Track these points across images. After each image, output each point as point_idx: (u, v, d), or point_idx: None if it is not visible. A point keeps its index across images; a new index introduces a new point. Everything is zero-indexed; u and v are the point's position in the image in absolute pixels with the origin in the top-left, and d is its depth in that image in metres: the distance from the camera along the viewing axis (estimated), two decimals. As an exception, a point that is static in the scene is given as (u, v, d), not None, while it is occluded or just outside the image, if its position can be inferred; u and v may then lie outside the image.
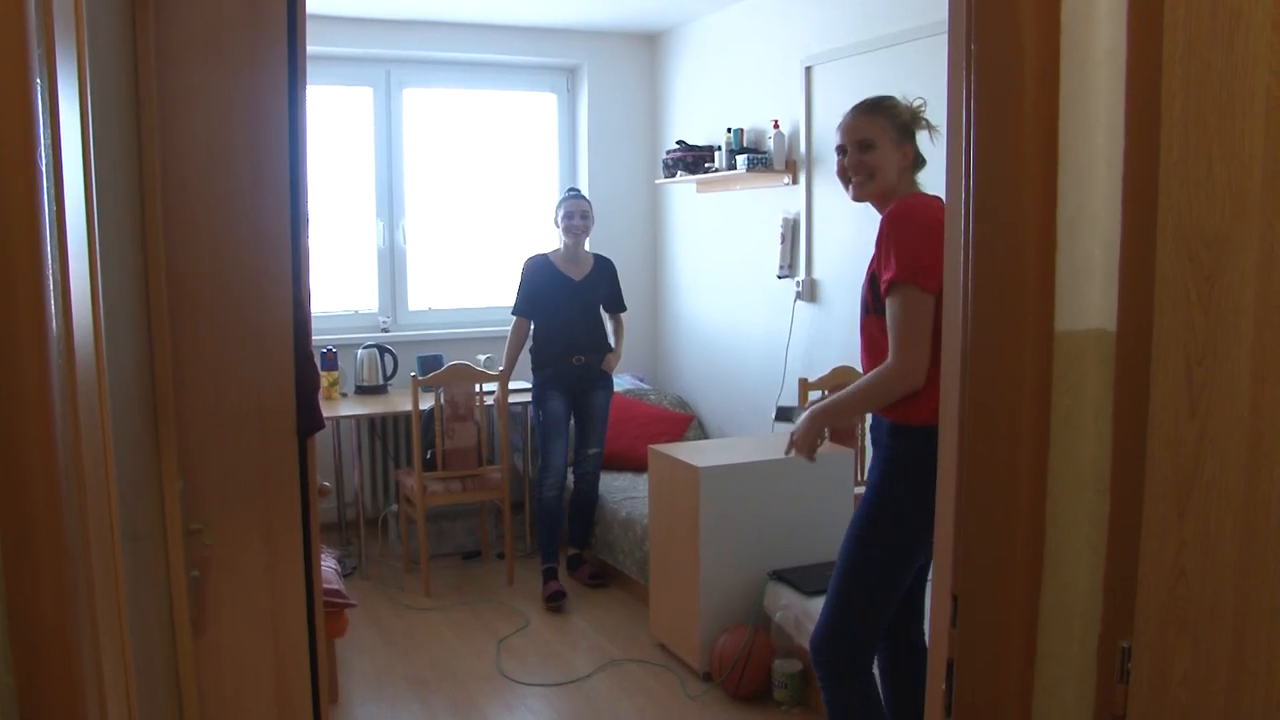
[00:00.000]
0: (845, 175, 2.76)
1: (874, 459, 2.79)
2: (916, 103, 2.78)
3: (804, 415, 2.83)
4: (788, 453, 2.87)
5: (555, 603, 4.87)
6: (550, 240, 6.44)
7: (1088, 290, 1.32)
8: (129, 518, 1.47)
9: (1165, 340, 1.19)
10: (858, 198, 2.77)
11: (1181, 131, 1.17)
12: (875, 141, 2.70)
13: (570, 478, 5.27)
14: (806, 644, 3.72)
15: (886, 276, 2.55)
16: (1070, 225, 1.33)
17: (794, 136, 5.23)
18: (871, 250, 2.72)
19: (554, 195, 6.60)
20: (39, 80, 0.90)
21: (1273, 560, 1.10)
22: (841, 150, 2.76)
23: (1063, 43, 1.32)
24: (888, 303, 2.57)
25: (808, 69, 5.10)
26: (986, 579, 1.43)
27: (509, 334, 5.28)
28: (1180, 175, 1.18)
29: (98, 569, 1.00)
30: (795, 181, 5.23)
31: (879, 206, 2.77)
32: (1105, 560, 1.31)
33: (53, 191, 0.93)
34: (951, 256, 1.48)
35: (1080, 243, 1.32)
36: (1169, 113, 1.18)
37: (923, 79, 4.25)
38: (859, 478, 4.61)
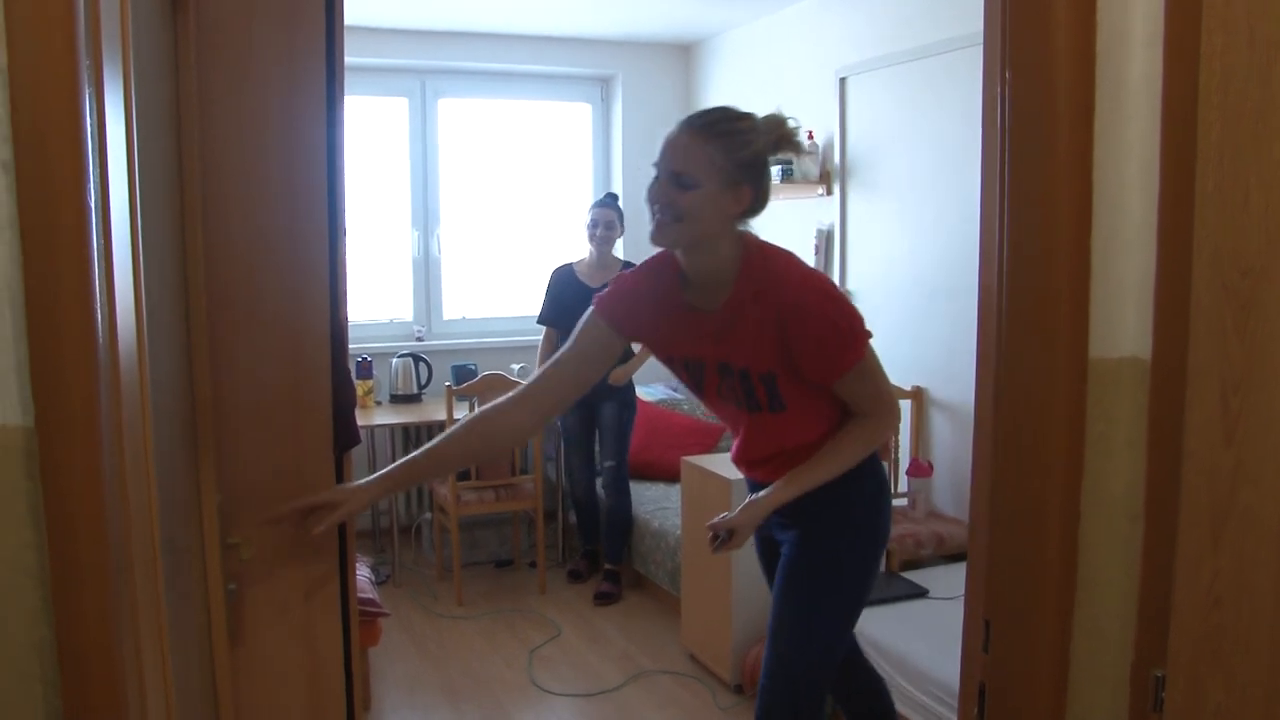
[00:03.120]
0: (652, 204, 2.16)
1: (802, 512, 2.37)
2: (791, 123, 2.25)
3: (748, 505, 2.31)
4: (717, 546, 2.31)
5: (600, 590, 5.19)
6: (582, 249, 6.44)
7: (1122, 317, 1.31)
8: (168, 531, 1.50)
9: (1201, 369, 1.19)
10: (656, 241, 2.19)
11: (1218, 160, 1.17)
12: (697, 179, 2.09)
13: (600, 490, 5.33)
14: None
15: (854, 355, 2.20)
16: (1104, 252, 1.32)
17: (828, 148, 5.22)
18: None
19: (588, 205, 6.62)
20: (87, 95, 0.92)
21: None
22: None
23: (1098, 69, 1.32)
24: (858, 367, 2.19)
25: (842, 80, 5.10)
26: (1019, 604, 1.42)
27: (539, 344, 5.33)
28: (1216, 204, 1.17)
29: (141, 588, 1.02)
30: (829, 193, 5.22)
31: (685, 254, 2.24)
32: (1139, 587, 1.31)
33: (99, 209, 0.95)
34: (986, 282, 1.48)
35: (1114, 270, 1.32)
36: (1205, 141, 1.18)
37: (958, 90, 4.24)
38: (895, 489, 4.59)
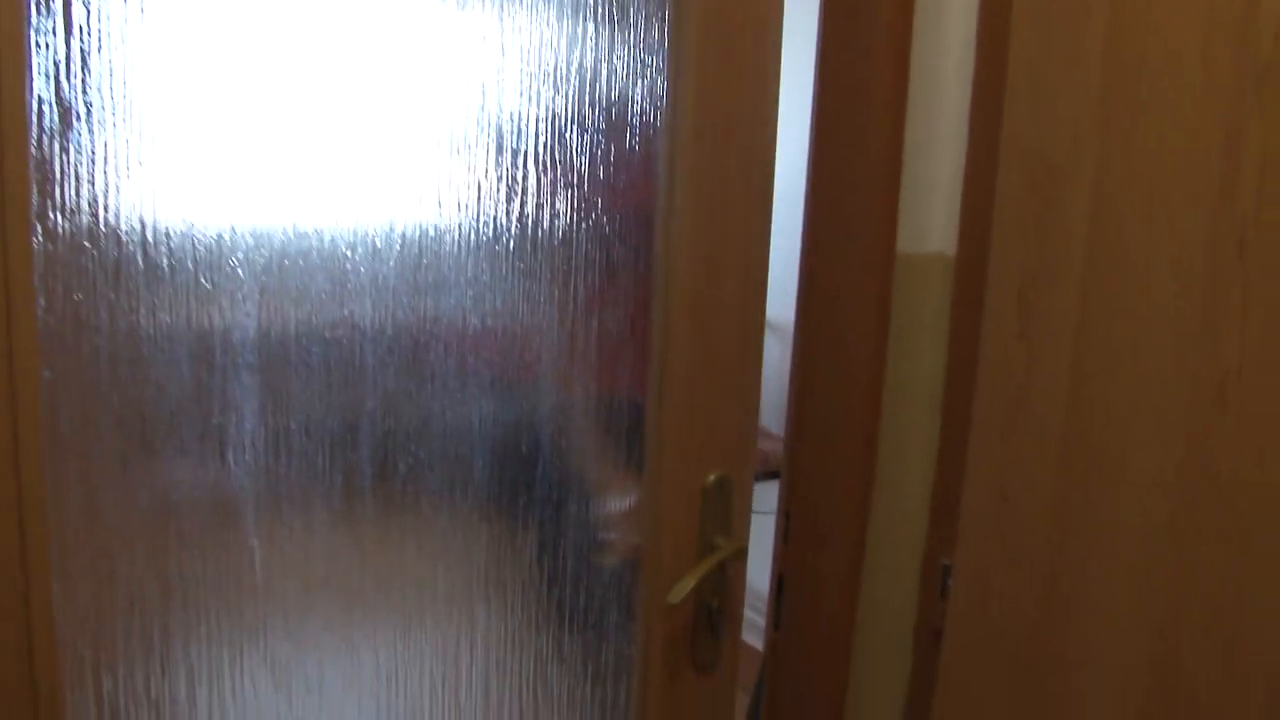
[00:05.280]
0: None
1: None
2: None
3: None
4: None
5: None
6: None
7: (931, 214, 1.33)
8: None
9: (1001, 266, 1.21)
10: None
11: (1028, 60, 1.18)
12: None
13: None
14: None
15: None
16: (918, 149, 1.33)
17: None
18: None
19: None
20: None
21: (1086, 483, 1.14)
22: None
23: (920, -36, 1.31)
24: None
25: None
26: (819, 495, 1.44)
27: None
28: (1026, 102, 1.18)
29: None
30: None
31: None
32: (933, 480, 1.34)
33: None
34: (810, 185, 1.47)
35: (927, 167, 1.33)
36: (1017, 39, 1.19)
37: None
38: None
